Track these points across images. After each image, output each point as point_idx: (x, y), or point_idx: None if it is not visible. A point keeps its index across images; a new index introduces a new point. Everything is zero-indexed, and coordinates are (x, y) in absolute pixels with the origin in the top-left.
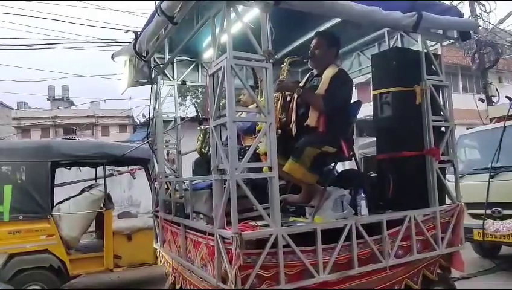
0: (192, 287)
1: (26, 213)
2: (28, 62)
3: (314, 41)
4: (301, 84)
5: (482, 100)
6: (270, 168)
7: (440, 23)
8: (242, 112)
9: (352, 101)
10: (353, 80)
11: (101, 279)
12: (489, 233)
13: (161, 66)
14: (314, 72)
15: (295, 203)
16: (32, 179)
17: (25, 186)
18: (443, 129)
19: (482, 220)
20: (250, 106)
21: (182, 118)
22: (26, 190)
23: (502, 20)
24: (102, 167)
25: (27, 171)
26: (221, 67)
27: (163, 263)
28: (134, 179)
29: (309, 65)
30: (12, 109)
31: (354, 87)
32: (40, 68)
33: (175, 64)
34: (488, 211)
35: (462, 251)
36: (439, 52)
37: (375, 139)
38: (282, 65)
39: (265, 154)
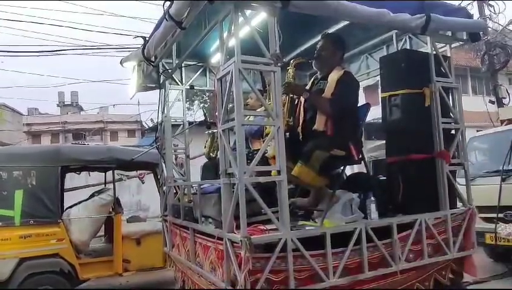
0: None
1: (37, 218)
2: (38, 69)
3: (320, 43)
4: (307, 88)
5: (492, 102)
6: (278, 172)
7: (449, 24)
8: (250, 115)
9: (360, 104)
10: (361, 82)
11: (110, 283)
12: (502, 237)
13: (169, 70)
14: (319, 75)
15: (304, 207)
16: (43, 184)
17: (35, 191)
18: (453, 132)
19: (494, 224)
20: (258, 110)
21: (190, 123)
22: (37, 195)
23: (511, 21)
24: (111, 171)
25: (37, 176)
26: (229, 71)
27: (172, 267)
28: (143, 183)
29: (314, 66)
30: (23, 114)
31: (362, 91)
32: (50, 74)
33: (183, 69)
34: (500, 215)
35: (475, 255)
36: (448, 54)
37: (384, 142)
38: (288, 67)
39: (274, 157)
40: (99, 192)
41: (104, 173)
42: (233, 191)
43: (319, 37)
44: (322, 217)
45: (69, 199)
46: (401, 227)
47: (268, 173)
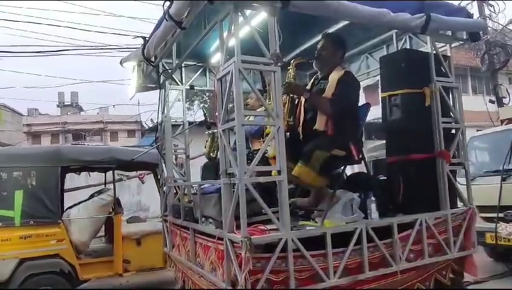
0: None
1: (37, 218)
2: (38, 69)
3: (320, 43)
4: (307, 88)
5: (492, 102)
6: (279, 172)
7: (449, 24)
8: (250, 115)
9: (360, 104)
10: (361, 82)
11: (110, 283)
12: (502, 236)
13: (169, 71)
14: (319, 74)
15: (304, 207)
16: (43, 184)
17: (35, 192)
18: (453, 131)
19: (494, 223)
20: (258, 110)
21: (190, 123)
22: (37, 195)
23: (511, 21)
24: (111, 171)
25: (37, 177)
26: (229, 71)
27: (173, 267)
28: (143, 183)
29: (314, 66)
30: (23, 115)
31: (362, 90)
32: (49, 74)
33: (183, 69)
34: (501, 214)
35: (475, 255)
36: (448, 54)
37: (384, 142)
38: (289, 67)
39: (274, 157)
40: (99, 192)
41: (104, 173)
42: (233, 191)
43: (319, 37)
44: (322, 217)
45: (69, 199)
46: (402, 227)
47: (268, 173)
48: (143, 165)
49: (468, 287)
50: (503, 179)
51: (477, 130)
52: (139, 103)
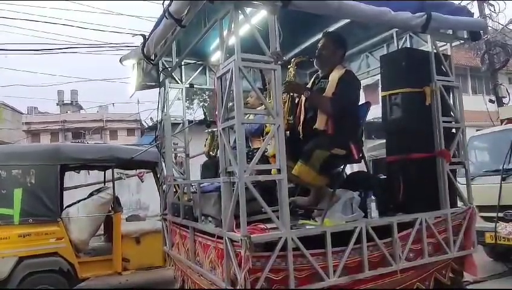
0: None
1: (36, 216)
2: (38, 67)
3: (321, 42)
4: (308, 87)
5: (492, 101)
6: (279, 171)
7: (449, 23)
8: (250, 114)
9: (361, 103)
10: (361, 81)
11: (109, 282)
12: (502, 236)
13: (169, 69)
14: (320, 73)
15: (304, 206)
16: (42, 183)
17: (34, 190)
18: (453, 131)
19: (494, 223)
20: (258, 108)
21: (190, 121)
22: (36, 194)
23: (511, 21)
24: (110, 170)
25: (37, 175)
26: (229, 69)
27: (172, 266)
28: (143, 182)
29: (315, 65)
30: (23, 113)
31: (362, 89)
32: (49, 73)
33: (183, 67)
34: (500, 214)
35: (475, 254)
36: (449, 53)
37: (384, 141)
38: (289, 66)
39: (274, 156)
40: (99, 191)
41: (103, 172)
42: (233, 190)
43: (319, 36)
44: (322, 216)
45: (68, 197)
46: (402, 226)
47: (268, 172)
48: (142, 164)
49: (468, 287)
50: (503, 179)
51: (477, 130)
52: (138, 101)
